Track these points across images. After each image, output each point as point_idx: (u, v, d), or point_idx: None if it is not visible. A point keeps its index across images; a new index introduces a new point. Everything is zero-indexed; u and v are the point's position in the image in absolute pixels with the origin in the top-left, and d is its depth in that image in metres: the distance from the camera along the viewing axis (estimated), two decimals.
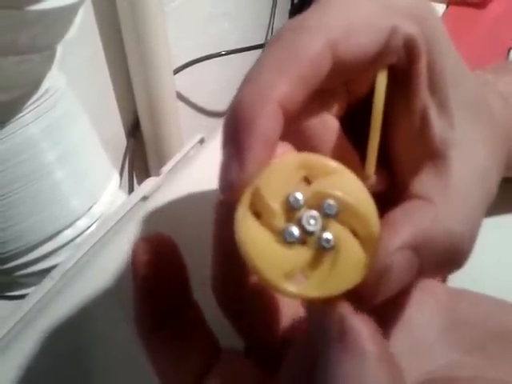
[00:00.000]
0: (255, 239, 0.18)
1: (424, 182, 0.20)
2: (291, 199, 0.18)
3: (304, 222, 0.18)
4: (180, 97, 1.04)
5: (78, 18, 0.58)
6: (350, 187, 0.19)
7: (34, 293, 0.34)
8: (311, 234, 0.18)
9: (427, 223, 0.19)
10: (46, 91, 0.61)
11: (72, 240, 0.69)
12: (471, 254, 0.20)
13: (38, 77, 0.60)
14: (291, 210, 0.18)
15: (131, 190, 0.94)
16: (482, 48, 0.60)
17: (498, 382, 0.19)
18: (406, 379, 0.19)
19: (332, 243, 0.18)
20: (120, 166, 0.96)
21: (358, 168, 0.20)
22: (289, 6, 1.34)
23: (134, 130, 0.95)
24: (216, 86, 1.15)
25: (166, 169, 0.42)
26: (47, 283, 0.35)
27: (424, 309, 0.21)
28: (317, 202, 0.18)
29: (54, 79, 0.63)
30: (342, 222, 0.18)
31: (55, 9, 0.51)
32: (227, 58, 1.10)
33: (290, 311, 0.22)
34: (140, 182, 0.74)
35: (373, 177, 0.21)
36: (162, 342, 0.20)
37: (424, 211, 0.19)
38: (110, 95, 0.88)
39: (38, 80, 0.60)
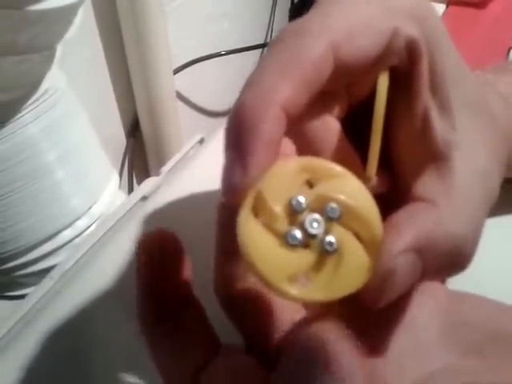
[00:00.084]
0: (257, 242, 0.18)
1: (426, 184, 0.20)
2: (294, 202, 0.18)
3: (307, 225, 0.18)
4: (180, 97, 1.04)
5: (78, 18, 0.58)
6: (352, 191, 0.18)
7: (34, 293, 0.34)
8: (314, 237, 0.18)
9: (430, 225, 0.19)
10: (46, 91, 0.61)
11: (71, 240, 0.69)
12: (474, 256, 0.20)
13: (38, 77, 0.60)
14: (294, 213, 0.18)
15: (131, 190, 0.94)
16: (482, 48, 0.60)
17: None
18: (405, 380, 0.19)
19: (335, 246, 0.18)
20: (120, 166, 0.96)
21: (360, 170, 0.20)
22: (289, 6, 1.34)
23: (133, 129, 0.95)
24: (216, 85, 1.15)
25: (165, 169, 0.42)
26: (47, 283, 0.35)
27: (424, 310, 0.21)
28: (319, 206, 0.18)
29: (54, 79, 0.63)
30: (345, 226, 0.18)
31: (55, 9, 0.51)
32: (227, 58, 1.10)
33: (288, 316, 0.22)
34: (140, 182, 0.74)
35: (374, 178, 0.21)
36: (164, 335, 0.21)
37: (427, 213, 0.19)
38: (110, 95, 0.88)
39: (37, 80, 0.60)
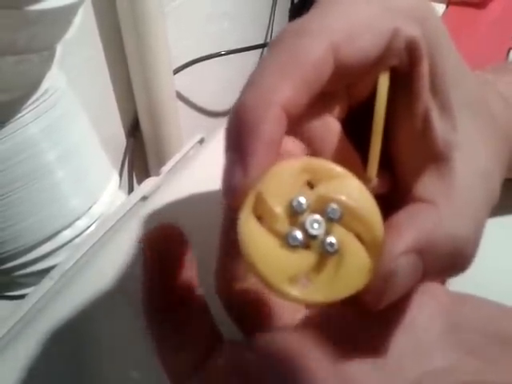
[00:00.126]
0: (258, 243, 0.18)
1: (427, 184, 0.20)
2: (294, 203, 0.18)
3: (307, 225, 0.18)
4: (180, 97, 1.04)
5: (78, 18, 0.58)
6: (353, 191, 0.18)
7: (34, 293, 0.34)
8: (315, 237, 0.18)
9: (431, 226, 0.19)
10: (46, 91, 0.61)
11: (71, 240, 0.69)
12: (475, 257, 0.20)
13: (38, 77, 0.60)
14: (294, 214, 0.18)
15: (131, 189, 0.94)
16: (482, 48, 0.60)
17: None
18: (405, 380, 0.19)
19: (336, 247, 0.18)
20: (120, 166, 0.96)
21: (360, 170, 0.20)
22: (289, 6, 1.34)
23: (133, 129, 0.95)
24: (216, 85, 1.15)
25: (165, 169, 0.42)
26: (47, 283, 0.35)
27: (425, 311, 0.21)
28: (320, 207, 0.18)
29: (54, 79, 0.62)
30: (346, 227, 0.18)
31: (54, 9, 0.51)
32: (227, 58, 1.10)
33: (289, 316, 0.22)
34: (140, 182, 0.74)
35: (375, 179, 0.21)
36: (168, 328, 0.21)
37: (427, 214, 0.19)
38: (110, 95, 0.88)
39: (37, 80, 0.60)
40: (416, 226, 0.19)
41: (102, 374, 0.30)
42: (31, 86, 0.59)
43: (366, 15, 0.19)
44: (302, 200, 0.18)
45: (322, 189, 0.18)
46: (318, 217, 0.18)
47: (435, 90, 0.20)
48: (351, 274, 0.18)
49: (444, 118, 0.20)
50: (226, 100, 1.18)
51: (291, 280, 0.18)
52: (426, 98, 0.20)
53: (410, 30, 0.20)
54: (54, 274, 0.35)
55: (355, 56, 0.19)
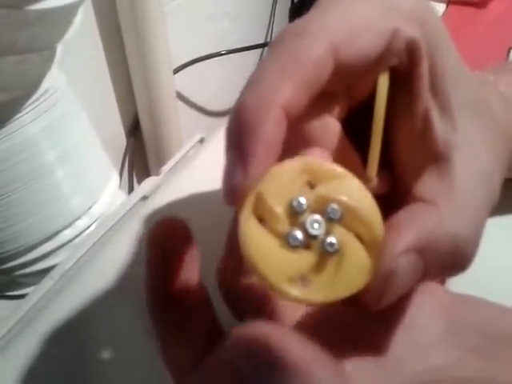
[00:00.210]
0: (259, 243, 0.18)
1: (427, 184, 0.20)
2: (294, 203, 0.18)
3: (308, 226, 0.18)
4: (180, 96, 1.04)
5: (78, 18, 0.58)
6: (353, 191, 0.19)
7: (34, 293, 0.34)
8: (315, 238, 0.18)
9: (431, 226, 0.19)
10: (46, 91, 0.61)
11: (71, 240, 0.69)
12: (475, 256, 0.20)
13: (38, 77, 0.60)
14: (295, 214, 0.18)
15: (131, 189, 0.94)
16: (482, 48, 0.60)
17: (496, 383, 0.19)
18: (405, 379, 0.19)
19: (336, 247, 0.18)
20: (120, 166, 0.96)
21: (360, 170, 0.20)
22: (289, 5, 1.34)
23: (133, 129, 0.95)
24: (216, 85, 1.15)
25: (165, 168, 0.42)
26: (47, 283, 0.35)
27: (425, 310, 0.21)
28: (320, 207, 0.18)
29: (54, 79, 0.62)
30: (346, 227, 0.18)
31: (55, 8, 0.51)
32: (227, 58, 1.10)
33: (289, 312, 0.22)
34: (140, 182, 0.75)
35: (374, 179, 0.21)
36: (171, 323, 0.21)
37: (428, 214, 0.19)
38: (110, 95, 0.88)
39: (37, 80, 0.60)
40: (416, 225, 0.19)
41: (102, 373, 0.30)
42: (31, 85, 0.59)
43: (366, 15, 0.19)
44: (302, 200, 0.18)
45: (322, 189, 0.19)
46: (318, 217, 0.18)
47: (435, 90, 0.20)
48: (351, 273, 0.18)
49: (444, 118, 0.20)
50: (226, 100, 1.18)
51: (291, 280, 0.18)
52: (426, 98, 0.20)
53: (410, 31, 0.20)
54: (54, 273, 0.35)
55: (355, 56, 0.19)
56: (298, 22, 0.20)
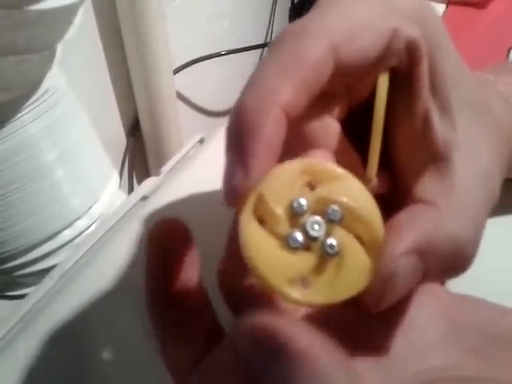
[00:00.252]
0: (259, 245, 0.18)
1: (427, 185, 0.20)
2: (295, 205, 0.18)
3: (308, 227, 0.18)
4: (180, 97, 1.04)
5: (78, 18, 0.58)
6: (354, 193, 0.19)
7: (34, 293, 0.34)
8: (315, 239, 0.18)
9: (431, 227, 0.19)
10: (46, 91, 0.61)
11: (72, 240, 0.69)
12: (475, 257, 0.20)
13: (38, 77, 0.60)
14: (295, 215, 0.18)
15: (131, 189, 0.94)
16: (482, 48, 0.60)
17: (496, 382, 0.19)
18: (405, 379, 0.19)
19: (336, 249, 0.18)
20: (120, 166, 0.96)
21: (360, 171, 0.20)
22: (289, 5, 1.34)
23: (133, 129, 0.95)
24: (216, 85, 1.15)
25: (165, 169, 0.42)
26: (47, 283, 0.35)
27: (425, 311, 0.21)
28: (321, 208, 0.18)
29: (54, 79, 0.62)
30: (347, 228, 0.18)
31: (55, 9, 0.51)
32: (227, 58, 1.10)
33: (290, 312, 0.22)
34: (140, 182, 0.74)
35: (374, 179, 0.21)
36: (171, 323, 0.21)
37: (428, 215, 0.19)
38: (110, 95, 0.88)
39: (37, 80, 0.60)
40: (416, 226, 0.19)
41: (102, 373, 0.30)
42: (31, 85, 0.59)
43: (366, 15, 0.19)
44: (303, 201, 0.18)
45: (322, 190, 0.18)
46: (318, 218, 0.18)
47: (435, 90, 0.20)
48: (351, 275, 0.18)
49: (444, 118, 0.20)
50: (226, 100, 1.18)
51: (292, 281, 0.18)
52: (426, 99, 0.20)
53: (410, 31, 0.20)
54: (55, 273, 0.35)
55: (355, 56, 0.19)
56: (298, 22, 0.20)
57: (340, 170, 0.19)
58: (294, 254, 0.18)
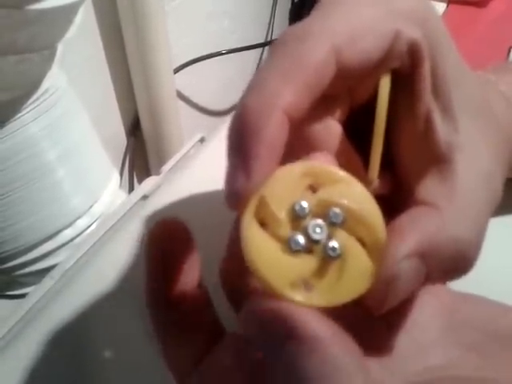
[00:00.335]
0: (261, 248, 0.18)
1: (429, 187, 0.20)
2: (297, 208, 0.18)
3: (310, 230, 0.18)
4: (180, 96, 1.04)
5: (79, 18, 0.58)
6: (355, 195, 0.18)
7: (34, 292, 0.34)
8: (317, 242, 0.18)
9: (433, 230, 0.19)
10: (46, 90, 0.61)
11: (72, 239, 0.69)
12: (477, 259, 0.20)
13: (38, 76, 0.60)
14: (297, 218, 0.18)
15: (131, 189, 0.94)
16: (483, 47, 0.60)
17: (496, 382, 0.19)
18: (406, 377, 0.19)
19: (338, 252, 0.18)
20: (120, 165, 0.96)
21: (362, 172, 0.20)
22: (289, 5, 1.34)
23: (134, 129, 0.95)
24: (216, 84, 1.15)
25: (166, 168, 0.42)
26: (47, 283, 0.35)
27: (426, 310, 0.21)
28: (322, 211, 0.18)
29: (54, 78, 0.62)
30: (348, 230, 0.18)
31: (55, 8, 0.51)
32: (227, 57, 1.10)
33: None
34: (140, 181, 0.74)
35: (376, 181, 0.21)
36: (171, 323, 0.21)
37: (430, 217, 0.19)
38: (111, 94, 0.88)
39: (37, 79, 0.60)
40: (418, 229, 0.19)
41: (102, 373, 0.30)
42: (32, 85, 0.59)
43: (368, 17, 0.19)
44: (305, 204, 0.18)
45: (324, 193, 0.18)
46: (320, 221, 0.18)
47: (437, 91, 0.20)
48: (353, 278, 0.18)
49: (446, 119, 0.20)
50: (226, 99, 1.18)
51: (293, 284, 0.18)
52: (428, 100, 0.20)
53: (412, 32, 0.19)
54: (55, 273, 0.35)
55: (357, 58, 0.19)
56: (300, 24, 0.19)
57: (342, 173, 0.19)
58: (295, 257, 0.18)
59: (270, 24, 1.29)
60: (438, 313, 0.21)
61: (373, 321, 0.20)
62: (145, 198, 0.39)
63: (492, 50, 0.60)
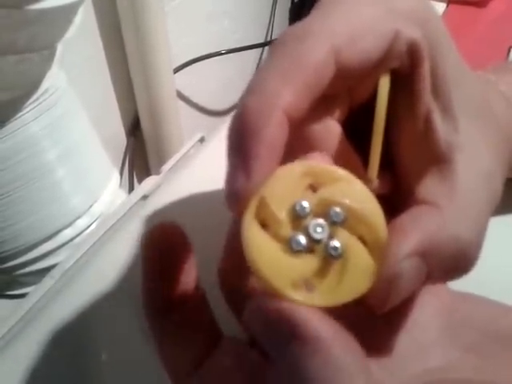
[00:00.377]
0: (262, 248, 0.18)
1: (429, 186, 0.20)
2: (297, 208, 0.18)
3: (311, 230, 0.18)
4: (180, 96, 1.04)
5: (78, 18, 0.58)
6: (356, 194, 0.18)
7: (34, 292, 0.34)
8: (318, 242, 0.18)
9: (434, 229, 0.19)
10: (47, 90, 0.61)
11: (72, 239, 0.69)
12: (477, 259, 0.20)
13: (38, 76, 0.60)
14: (297, 218, 0.18)
15: (131, 188, 0.94)
16: (482, 47, 0.60)
17: None
18: (405, 378, 0.19)
19: (339, 251, 0.18)
20: (120, 165, 0.96)
21: (361, 172, 0.20)
22: (289, 5, 1.34)
23: (134, 128, 0.95)
24: (216, 84, 1.15)
25: (166, 168, 0.42)
26: (47, 282, 0.35)
27: (426, 310, 0.21)
28: (323, 210, 0.18)
29: (55, 78, 0.62)
30: (350, 229, 0.18)
31: (55, 8, 0.51)
32: (227, 57, 1.10)
33: None
34: (140, 181, 0.75)
35: (375, 181, 0.21)
36: (168, 326, 0.21)
37: (431, 217, 0.19)
38: (111, 94, 0.88)
39: (38, 79, 0.60)
40: (420, 228, 0.19)
41: (103, 373, 0.30)
42: (32, 85, 0.59)
43: (368, 17, 0.19)
44: (305, 204, 0.18)
45: (324, 192, 0.18)
46: (321, 221, 0.18)
47: (436, 91, 0.20)
48: (355, 277, 0.18)
49: (446, 119, 0.20)
50: (226, 99, 1.18)
51: (295, 285, 0.17)
52: (428, 100, 0.20)
53: (411, 33, 0.19)
54: (55, 273, 0.35)
55: (357, 58, 0.19)
56: (299, 24, 0.19)
57: (342, 172, 0.19)
58: (297, 257, 0.18)
59: (269, 24, 1.29)
60: (438, 313, 0.21)
61: (374, 320, 0.20)
62: (145, 197, 0.39)
63: (492, 50, 0.60)
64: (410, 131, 0.21)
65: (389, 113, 0.20)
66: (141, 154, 1.01)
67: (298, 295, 0.17)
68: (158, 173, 0.42)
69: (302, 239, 0.18)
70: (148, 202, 0.38)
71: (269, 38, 1.29)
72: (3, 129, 0.58)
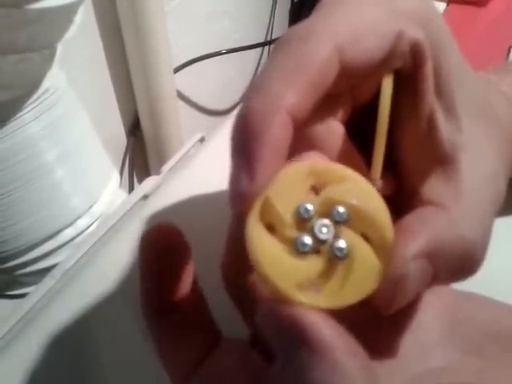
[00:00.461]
0: (266, 249, 0.18)
1: (434, 187, 0.20)
2: (302, 208, 0.18)
3: (316, 230, 0.18)
4: (180, 96, 1.04)
5: (79, 17, 0.58)
6: (362, 193, 0.18)
7: (35, 292, 0.34)
8: (324, 242, 0.18)
9: (440, 229, 0.19)
10: (47, 90, 0.61)
11: (72, 239, 0.69)
12: (483, 260, 0.20)
13: (38, 76, 0.60)
14: (303, 219, 0.18)
15: (131, 188, 0.94)
16: (483, 47, 0.60)
17: None
18: (407, 378, 0.19)
19: (345, 252, 0.18)
20: (120, 165, 0.96)
21: (364, 173, 0.20)
22: (289, 5, 1.34)
23: (134, 128, 0.95)
24: (216, 84, 1.15)
25: (166, 168, 0.42)
26: (48, 282, 0.35)
27: (429, 309, 0.21)
28: (329, 210, 0.18)
29: (54, 78, 0.62)
30: (355, 229, 0.18)
31: (55, 8, 0.51)
32: (227, 57, 1.10)
33: None
34: (140, 181, 0.74)
35: (379, 181, 0.20)
36: (167, 327, 0.21)
37: (437, 217, 0.19)
38: (111, 94, 0.88)
39: (37, 79, 0.60)
40: (427, 229, 0.19)
41: (103, 373, 0.30)
42: (32, 84, 0.59)
43: (370, 17, 0.19)
44: (309, 206, 0.18)
45: (330, 191, 0.18)
46: (326, 221, 0.18)
47: (440, 91, 0.20)
48: (361, 278, 0.18)
49: (449, 119, 0.20)
50: (226, 99, 1.18)
51: (300, 286, 0.17)
52: (431, 100, 0.20)
53: (414, 33, 0.19)
54: (55, 272, 0.35)
55: (360, 58, 0.19)
56: (302, 24, 0.19)
57: (348, 171, 0.19)
58: (302, 259, 0.18)
59: (269, 24, 1.29)
60: (441, 313, 0.21)
61: (379, 321, 0.20)
62: (145, 197, 0.39)
63: (492, 50, 0.60)
64: (414, 131, 0.21)
65: (392, 113, 0.20)
66: (141, 154, 1.01)
67: (304, 297, 0.17)
68: (158, 173, 0.42)
69: (308, 240, 0.18)
70: (148, 202, 0.38)
71: (269, 38, 1.29)
72: (3, 129, 0.58)
